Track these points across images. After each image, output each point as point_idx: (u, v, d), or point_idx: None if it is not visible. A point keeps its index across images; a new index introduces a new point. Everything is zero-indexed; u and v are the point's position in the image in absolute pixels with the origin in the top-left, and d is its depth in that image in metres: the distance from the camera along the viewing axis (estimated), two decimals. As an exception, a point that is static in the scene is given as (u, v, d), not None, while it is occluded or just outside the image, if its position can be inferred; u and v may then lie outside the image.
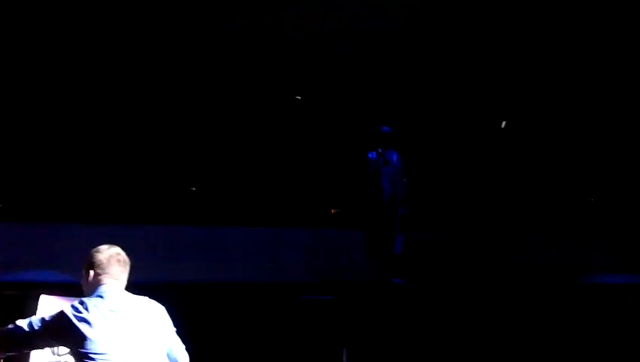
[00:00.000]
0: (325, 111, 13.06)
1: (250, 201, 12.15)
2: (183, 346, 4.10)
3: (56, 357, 4.97)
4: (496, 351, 8.63)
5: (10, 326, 3.95)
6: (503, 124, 13.75)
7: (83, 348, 3.76)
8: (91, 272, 4.00)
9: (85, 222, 10.45)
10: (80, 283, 4.07)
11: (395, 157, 10.51)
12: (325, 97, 13.10)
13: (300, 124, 12.92)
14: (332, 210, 12.95)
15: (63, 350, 4.84)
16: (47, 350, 4.95)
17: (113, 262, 4.05)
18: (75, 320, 3.79)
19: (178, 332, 4.07)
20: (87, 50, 12.07)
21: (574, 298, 9.47)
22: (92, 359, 3.75)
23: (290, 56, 12.83)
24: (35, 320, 3.91)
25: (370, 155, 10.49)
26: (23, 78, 11.87)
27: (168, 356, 4.00)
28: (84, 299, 3.93)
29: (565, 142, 13.38)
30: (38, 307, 5.05)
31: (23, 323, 3.93)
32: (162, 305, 4.03)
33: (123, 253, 4.14)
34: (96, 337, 3.76)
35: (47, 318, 3.89)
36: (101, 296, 3.92)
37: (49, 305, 5.00)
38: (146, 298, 4.11)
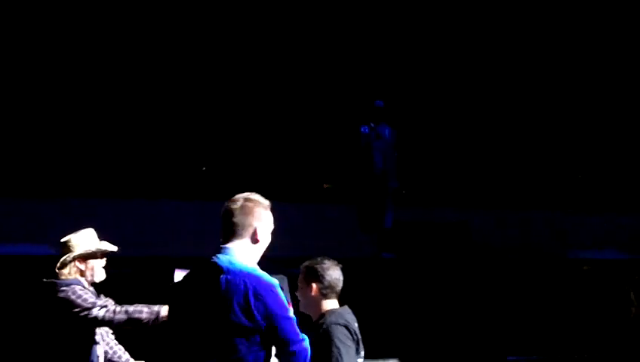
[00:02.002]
0: (318, 85, 13.06)
1: (243, 176, 12.18)
2: (293, 340, 3.26)
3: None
4: (484, 323, 8.74)
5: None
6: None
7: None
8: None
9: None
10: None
11: (387, 132, 10.52)
12: (318, 72, 13.10)
13: (292, 99, 12.93)
14: (325, 185, 13.01)
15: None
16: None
17: (224, 220, 3.45)
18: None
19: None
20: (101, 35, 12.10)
21: (562, 273, 9.58)
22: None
23: (283, 29, 12.84)
24: None
25: (362, 129, 10.51)
26: (47, 52, 11.87)
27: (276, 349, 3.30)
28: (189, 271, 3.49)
29: (554, 119, 13.45)
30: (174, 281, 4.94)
31: None
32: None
33: (236, 205, 3.45)
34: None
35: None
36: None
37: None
38: (256, 272, 3.35)
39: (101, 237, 4.68)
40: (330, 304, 3.98)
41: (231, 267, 3.29)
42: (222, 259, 3.32)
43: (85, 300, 4.32)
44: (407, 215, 10.78)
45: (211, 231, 3.90)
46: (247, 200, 3.45)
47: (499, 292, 9.11)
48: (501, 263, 9.97)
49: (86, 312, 4.27)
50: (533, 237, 11.36)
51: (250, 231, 3.41)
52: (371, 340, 4.09)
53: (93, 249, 4.56)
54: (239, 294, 3.21)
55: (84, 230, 4.67)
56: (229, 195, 3.60)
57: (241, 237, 3.39)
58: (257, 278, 3.29)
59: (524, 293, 9.18)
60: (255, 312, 3.19)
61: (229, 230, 3.39)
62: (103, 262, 4.63)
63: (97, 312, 4.27)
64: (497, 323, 8.77)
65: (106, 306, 4.30)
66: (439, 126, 13.18)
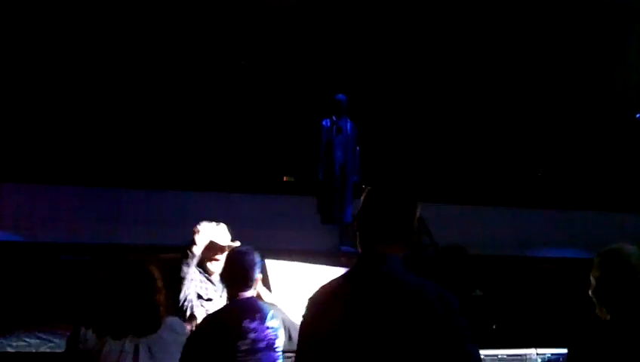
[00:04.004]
0: (280, 78, 13.00)
1: (204, 167, 12.10)
2: None
3: None
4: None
5: None
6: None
7: None
8: None
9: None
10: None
11: (348, 126, 10.47)
12: (280, 65, 13.03)
13: (254, 92, 12.85)
14: (285, 178, 12.95)
15: None
16: None
17: None
18: None
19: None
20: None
21: (520, 270, 9.62)
22: None
23: (245, 22, 12.75)
24: None
25: (323, 123, 10.45)
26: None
27: None
28: None
29: (515, 115, 13.52)
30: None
31: None
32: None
33: None
34: None
35: None
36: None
37: (276, 270, 4.85)
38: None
39: None
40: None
41: None
42: None
43: (185, 290, 4.54)
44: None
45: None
46: None
47: (458, 288, 9.11)
48: (459, 259, 9.97)
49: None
50: (492, 233, 11.41)
51: None
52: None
53: (198, 240, 4.67)
54: None
55: (215, 223, 4.80)
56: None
57: None
58: None
59: (482, 289, 9.19)
60: None
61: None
62: (219, 256, 4.66)
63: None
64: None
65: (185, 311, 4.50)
66: (400, 120, 13.19)
